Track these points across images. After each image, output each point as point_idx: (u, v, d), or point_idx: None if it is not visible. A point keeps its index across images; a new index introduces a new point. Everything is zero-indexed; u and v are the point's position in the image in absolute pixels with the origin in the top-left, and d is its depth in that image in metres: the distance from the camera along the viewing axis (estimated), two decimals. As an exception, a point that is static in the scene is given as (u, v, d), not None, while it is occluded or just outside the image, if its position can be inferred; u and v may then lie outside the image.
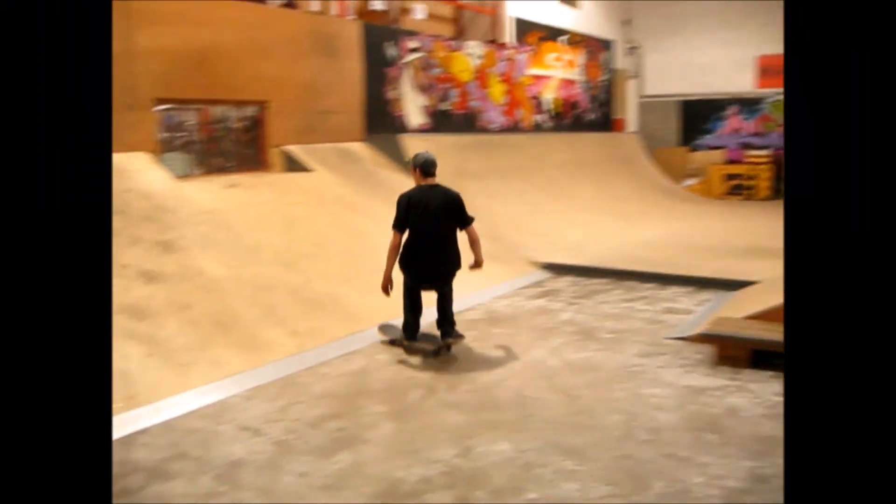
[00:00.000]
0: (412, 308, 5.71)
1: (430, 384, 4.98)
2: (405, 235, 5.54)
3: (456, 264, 5.66)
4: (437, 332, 5.74)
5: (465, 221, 5.63)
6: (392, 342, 5.87)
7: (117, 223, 5.82)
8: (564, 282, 8.23)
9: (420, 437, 4.13)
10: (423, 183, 5.64)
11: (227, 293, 5.70)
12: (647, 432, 4.13)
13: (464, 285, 7.45)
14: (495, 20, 13.58)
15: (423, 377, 5.12)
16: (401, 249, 5.53)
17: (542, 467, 3.73)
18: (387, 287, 5.56)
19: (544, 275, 8.51)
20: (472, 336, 6.06)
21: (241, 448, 4.01)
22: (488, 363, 5.41)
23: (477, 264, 5.67)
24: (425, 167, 5.63)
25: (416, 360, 5.49)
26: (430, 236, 5.52)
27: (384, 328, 5.99)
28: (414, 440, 4.08)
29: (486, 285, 7.63)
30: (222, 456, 3.92)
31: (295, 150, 8.66)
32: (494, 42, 13.31)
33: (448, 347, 5.70)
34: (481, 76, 12.56)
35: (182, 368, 4.83)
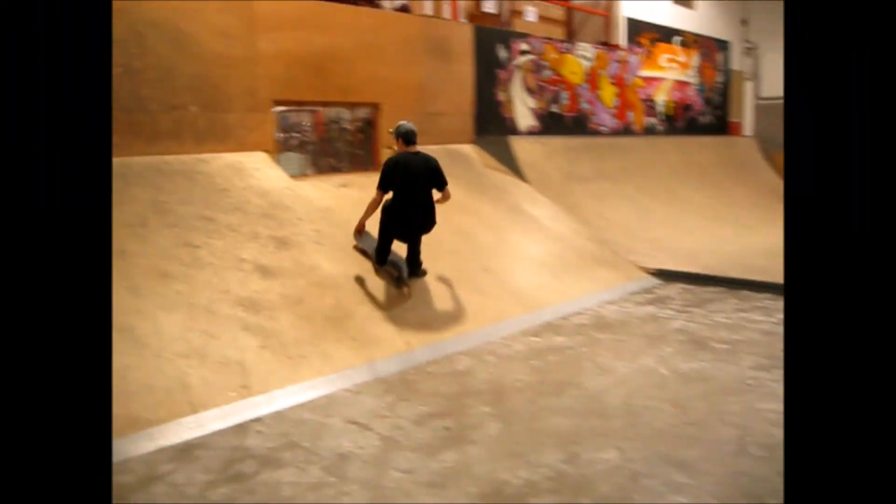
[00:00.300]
0: (385, 242, 6.24)
1: (536, 388, 4.94)
2: (388, 196, 6.08)
3: (433, 223, 6.23)
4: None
5: (443, 183, 6.21)
6: (363, 252, 6.41)
7: (236, 219, 6.06)
8: (675, 289, 8.00)
9: (526, 440, 4.10)
10: (405, 150, 6.13)
11: (339, 289, 5.84)
12: (763, 448, 3.95)
13: (571, 289, 7.38)
14: (607, 21, 13.37)
15: (530, 380, 5.08)
16: (385, 207, 6.10)
17: (650, 478, 3.64)
18: (361, 231, 6.26)
19: (654, 281, 8.30)
20: (579, 341, 5.98)
21: (348, 441, 4.09)
22: (595, 369, 5.32)
23: (441, 200, 6.27)
24: (407, 136, 6.14)
25: (522, 366, 5.46)
26: (414, 197, 6.06)
27: (360, 236, 6.45)
28: (519, 443, 4.06)
29: (594, 290, 7.52)
30: (331, 448, 4.01)
31: (405, 151, 8.77)
32: (606, 44, 13.11)
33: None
34: (592, 78, 12.39)
35: (294, 361, 4.98)
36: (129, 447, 3.95)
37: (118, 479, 3.65)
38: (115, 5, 6.22)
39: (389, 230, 6.19)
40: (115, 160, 6.11)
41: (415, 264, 6.36)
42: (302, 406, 4.60)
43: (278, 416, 4.45)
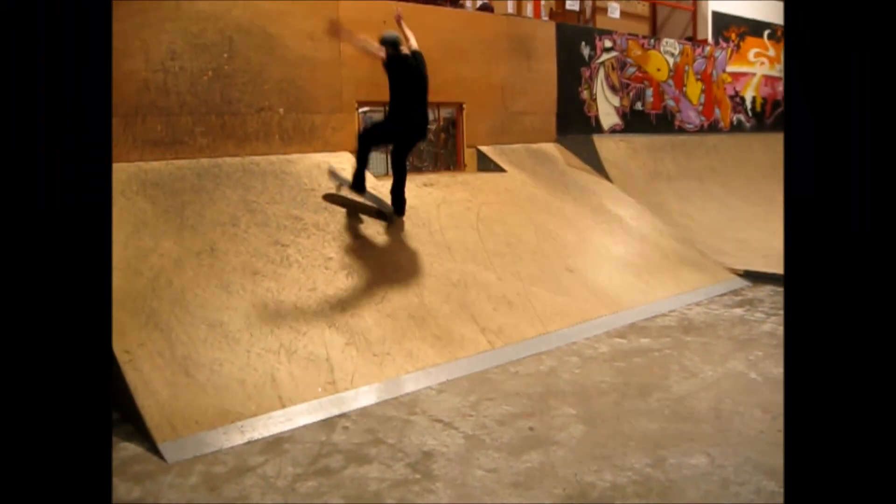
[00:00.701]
0: (363, 163, 6.38)
1: (621, 390, 4.87)
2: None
3: (427, 127, 6.53)
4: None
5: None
6: (339, 188, 6.51)
7: (323, 219, 6.18)
8: (764, 291, 7.75)
9: (611, 442, 4.05)
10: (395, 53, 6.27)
11: (422, 288, 5.89)
12: (862, 457, 3.80)
13: (657, 290, 7.25)
14: (693, 16, 13.06)
15: (615, 382, 5.01)
16: (376, 121, 6.43)
17: (740, 485, 3.54)
18: (336, 31, 6.72)
19: (742, 283, 8.06)
20: (665, 343, 5.87)
21: (432, 439, 4.12)
22: (682, 372, 5.21)
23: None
24: (394, 43, 6.23)
25: (607, 367, 5.39)
26: (414, 89, 6.24)
27: (333, 175, 6.69)
28: (605, 445, 4.01)
29: (680, 291, 7.36)
30: (415, 445, 4.05)
31: (488, 150, 8.79)
32: (692, 39, 12.81)
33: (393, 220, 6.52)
34: (677, 75, 12.13)
35: (378, 358, 5.05)
36: (220, 439, 4.08)
37: (211, 469, 3.78)
38: (206, 11, 6.45)
39: (378, 137, 6.45)
40: (208, 161, 6.34)
41: (399, 200, 6.46)
42: (387, 403, 4.66)
43: (364, 412, 4.52)
